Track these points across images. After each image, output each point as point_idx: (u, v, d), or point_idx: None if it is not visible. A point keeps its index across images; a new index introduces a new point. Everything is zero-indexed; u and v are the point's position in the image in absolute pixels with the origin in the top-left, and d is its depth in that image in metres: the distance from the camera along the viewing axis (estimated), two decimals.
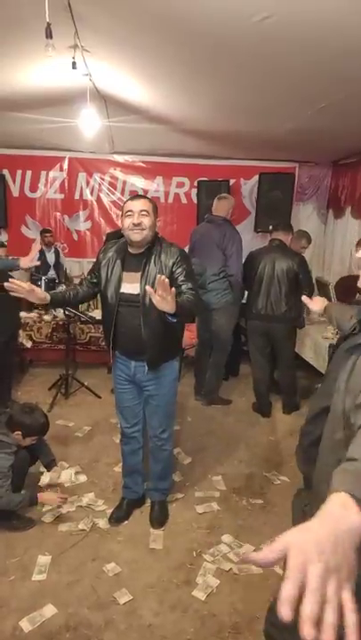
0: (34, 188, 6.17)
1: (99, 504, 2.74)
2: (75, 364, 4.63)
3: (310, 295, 3.80)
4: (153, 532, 2.52)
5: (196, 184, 6.07)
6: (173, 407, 2.57)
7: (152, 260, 2.19)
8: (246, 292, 4.11)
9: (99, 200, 6.26)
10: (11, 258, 3.82)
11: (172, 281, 2.07)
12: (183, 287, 2.13)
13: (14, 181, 6.11)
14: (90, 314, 4.49)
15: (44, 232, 5.74)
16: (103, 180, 6.18)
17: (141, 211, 2.14)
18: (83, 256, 6.34)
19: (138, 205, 2.16)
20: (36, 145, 5.77)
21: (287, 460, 3.24)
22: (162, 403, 2.45)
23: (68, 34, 2.97)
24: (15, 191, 6.14)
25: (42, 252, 5.66)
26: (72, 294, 2.38)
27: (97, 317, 4.37)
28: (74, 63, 3.02)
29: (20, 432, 2.48)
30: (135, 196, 2.25)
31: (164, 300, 1.84)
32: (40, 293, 2.14)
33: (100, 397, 4.20)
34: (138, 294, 2.18)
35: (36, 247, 3.35)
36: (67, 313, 4.17)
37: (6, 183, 6.02)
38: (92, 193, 6.24)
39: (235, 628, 1.98)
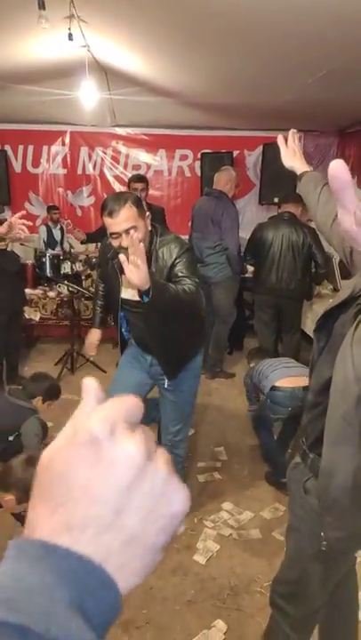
0: (36, 164, 6.12)
1: None
2: (80, 340, 4.69)
3: (324, 275, 3.76)
4: None
5: (199, 156, 5.98)
6: (191, 407, 2.34)
7: (152, 264, 1.91)
8: (252, 267, 4.09)
9: (102, 175, 6.21)
10: None
11: (173, 277, 1.90)
12: (185, 282, 1.89)
13: (16, 157, 6.07)
14: (93, 289, 4.53)
15: (51, 209, 5.74)
16: (105, 153, 6.12)
17: (127, 230, 1.75)
18: (86, 232, 6.32)
19: (120, 224, 1.76)
20: (37, 119, 5.70)
21: None
22: (180, 400, 2.21)
23: (64, 3, 2.91)
24: (17, 167, 6.10)
25: (49, 230, 5.69)
26: (102, 305, 2.54)
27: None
28: (70, 34, 2.97)
29: (40, 397, 2.54)
30: (110, 209, 1.77)
31: (136, 269, 1.55)
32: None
33: (105, 372, 4.27)
34: (140, 301, 1.84)
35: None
36: (70, 289, 4.21)
37: (8, 159, 5.97)
38: (94, 167, 6.18)
39: (233, 590, 2.07)
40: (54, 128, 5.94)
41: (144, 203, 4.19)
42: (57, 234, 5.80)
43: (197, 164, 6.06)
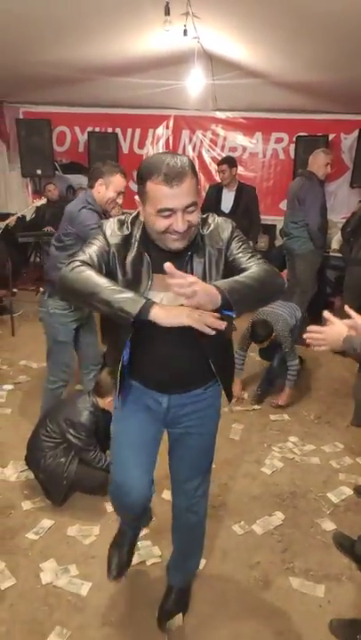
0: (141, 145, 6.74)
1: None
2: None
3: None
4: (234, 426, 3.07)
5: (294, 139, 6.21)
6: (213, 453, 1.67)
7: (198, 253, 1.37)
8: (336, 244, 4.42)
9: (200, 156, 6.67)
10: None
11: (232, 266, 1.37)
12: (251, 262, 1.36)
13: (125, 139, 6.73)
14: None
15: None
16: (205, 136, 6.56)
17: (188, 206, 1.24)
18: None
19: (181, 198, 1.22)
20: (145, 104, 6.28)
21: None
22: (203, 445, 1.61)
23: (181, 2, 3.39)
24: (125, 148, 6.76)
25: None
26: None
27: None
28: (185, 30, 3.44)
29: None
30: (170, 174, 1.20)
31: (196, 296, 1.12)
32: None
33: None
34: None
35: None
36: None
37: (118, 141, 6.65)
38: (193, 149, 6.66)
39: (292, 494, 2.49)
40: (160, 112, 6.49)
41: (232, 185, 4.65)
42: None
43: (292, 147, 6.28)
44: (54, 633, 1.72)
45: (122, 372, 1.42)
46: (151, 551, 2.09)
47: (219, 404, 1.59)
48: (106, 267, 1.36)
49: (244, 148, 6.49)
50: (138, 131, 6.70)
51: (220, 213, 4.70)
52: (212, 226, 1.40)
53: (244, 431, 3.06)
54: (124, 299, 1.20)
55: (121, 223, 1.40)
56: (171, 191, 1.21)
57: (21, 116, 6.58)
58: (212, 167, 6.60)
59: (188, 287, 1.10)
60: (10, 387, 3.48)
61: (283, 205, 5.46)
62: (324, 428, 3.14)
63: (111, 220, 1.43)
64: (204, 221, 1.41)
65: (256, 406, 3.36)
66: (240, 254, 1.38)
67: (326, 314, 1.58)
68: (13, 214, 5.31)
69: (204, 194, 5.49)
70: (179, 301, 1.21)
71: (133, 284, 1.33)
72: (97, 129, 6.59)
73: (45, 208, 5.80)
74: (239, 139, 6.48)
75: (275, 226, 6.20)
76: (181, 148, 6.68)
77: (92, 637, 1.72)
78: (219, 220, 1.43)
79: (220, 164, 4.68)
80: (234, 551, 2.13)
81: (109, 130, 6.60)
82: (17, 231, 5.51)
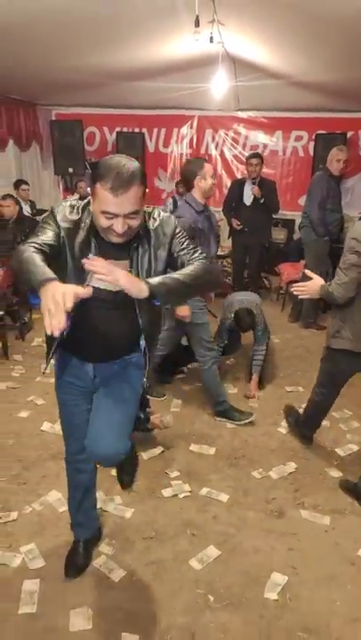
0: (166, 144, 7.11)
1: None
2: None
3: None
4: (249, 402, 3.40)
5: (313, 137, 6.48)
6: (131, 406, 1.74)
7: (144, 244, 1.50)
8: None
9: (222, 154, 7.01)
10: None
11: (175, 260, 1.54)
12: (194, 256, 1.54)
13: (151, 138, 7.11)
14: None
15: (178, 183, 6.70)
16: (227, 135, 6.90)
17: (130, 214, 1.36)
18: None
19: (124, 206, 1.34)
20: (170, 105, 6.64)
21: None
22: (121, 393, 1.68)
23: (207, 11, 3.73)
24: (151, 147, 7.15)
25: (174, 201, 6.66)
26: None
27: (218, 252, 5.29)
28: (211, 38, 3.77)
29: None
30: (115, 184, 1.31)
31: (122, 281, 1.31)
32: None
33: (216, 317, 5.11)
34: (118, 292, 1.41)
35: None
36: None
37: (144, 140, 7.03)
38: (216, 147, 7.01)
39: (304, 449, 2.83)
40: (185, 113, 6.85)
41: (257, 178, 4.99)
42: None
43: (311, 144, 6.57)
44: (104, 543, 2.09)
45: (54, 343, 1.57)
46: (182, 487, 2.46)
47: (142, 366, 1.67)
48: (55, 249, 1.45)
49: (265, 146, 6.79)
50: (163, 130, 7.07)
51: (243, 206, 5.07)
52: (157, 221, 1.54)
53: (263, 400, 3.40)
54: (35, 275, 1.29)
55: (72, 208, 1.49)
56: (114, 199, 1.32)
57: (54, 118, 7.02)
58: (234, 165, 6.94)
59: (107, 270, 1.28)
60: (53, 361, 3.88)
61: (301, 201, 5.77)
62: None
63: (62, 204, 1.51)
64: (150, 215, 1.54)
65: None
66: (183, 251, 1.54)
67: (307, 271, 2.47)
68: (46, 210, 5.76)
69: (225, 190, 5.85)
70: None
71: (79, 266, 1.41)
72: (125, 129, 6.99)
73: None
74: (260, 137, 6.78)
75: (293, 221, 6.50)
76: (204, 147, 7.03)
77: (135, 547, 2.08)
78: (164, 216, 1.56)
79: (251, 157, 5.06)
80: (253, 490, 2.47)
81: (136, 130, 7.00)
82: None
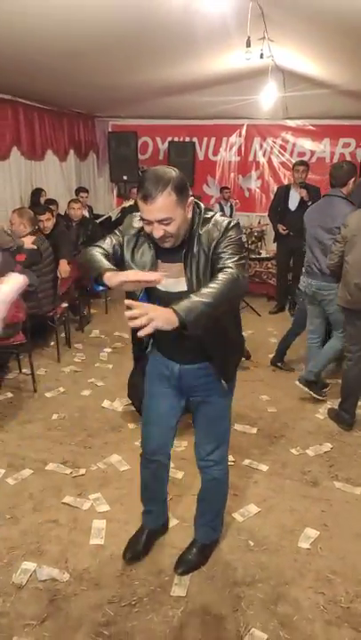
0: (216, 152, 7.45)
1: None
2: None
3: None
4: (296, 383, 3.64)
5: None
6: (228, 424, 1.92)
7: (194, 248, 1.56)
8: None
9: (269, 161, 7.27)
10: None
11: (213, 263, 1.55)
12: (228, 262, 1.51)
13: (201, 147, 7.48)
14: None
15: (223, 189, 7.03)
16: (275, 143, 7.15)
17: (162, 220, 1.46)
18: (252, 211, 7.49)
19: (154, 213, 1.45)
20: (220, 116, 6.97)
21: None
22: (212, 412, 1.84)
23: (258, 30, 4.03)
24: (201, 155, 7.51)
25: (221, 207, 6.98)
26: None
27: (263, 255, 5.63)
28: (261, 54, 4.07)
29: None
30: (145, 192, 1.43)
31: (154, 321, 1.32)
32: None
33: (260, 315, 5.37)
34: (185, 291, 1.54)
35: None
36: None
37: (195, 149, 7.39)
38: (264, 155, 7.28)
39: (340, 432, 3.06)
40: (234, 122, 7.17)
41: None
42: (227, 210, 7.06)
43: (359, 151, 6.73)
44: None
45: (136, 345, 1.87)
46: None
47: (234, 380, 1.82)
48: (117, 254, 1.65)
49: (313, 153, 7.00)
50: (213, 139, 7.42)
51: (288, 211, 5.31)
52: (209, 225, 1.55)
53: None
54: (100, 263, 1.54)
55: (138, 217, 1.61)
56: (145, 207, 1.44)
57: (110, 129, 7.52)
58: (281, 172, 7.18)
59: (145, 318, 1.29)
60: (109, 350, 4.31)
61: None
62: None
63: (130, 215, 1.70)
64: (206, 221, 1.56)
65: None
66: (222, 254, 1.52)
67: None
68: (102, 215, 6.26)
69: (272, 195, 6.09)
70: (179, 287, 1.55)
71: (141, 269, 1.58)
72: (176, 138, 7.39)
73: (131, 209, 6.67)
74: (308, 144, 7.00)
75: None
76: (253, 154, 7.32)
77: (184, 502, 2.39)
78: (219, 220, 1.56)
79: (298, 164, 5.25)
80: (291, 463, 2.73)
81: (187, 139, 7.38)
82: (104, 228, 6.42)
